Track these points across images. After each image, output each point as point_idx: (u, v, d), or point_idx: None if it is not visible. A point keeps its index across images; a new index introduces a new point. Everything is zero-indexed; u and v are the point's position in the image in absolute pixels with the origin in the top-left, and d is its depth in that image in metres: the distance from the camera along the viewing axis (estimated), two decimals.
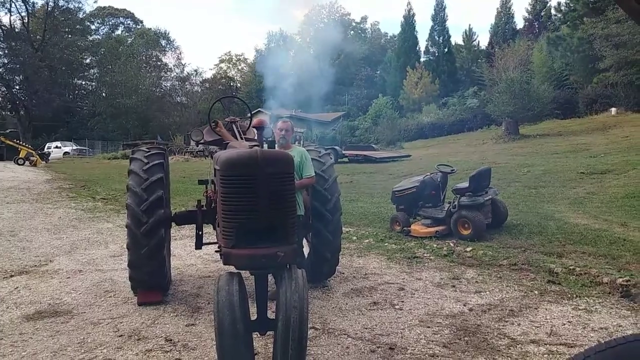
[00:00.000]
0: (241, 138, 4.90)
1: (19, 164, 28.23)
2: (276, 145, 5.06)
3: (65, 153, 43.17)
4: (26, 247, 7.93)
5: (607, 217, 8.97)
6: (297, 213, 4.90)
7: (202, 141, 5.47)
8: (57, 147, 44.36)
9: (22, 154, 29.35)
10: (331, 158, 5.76)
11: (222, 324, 3.02)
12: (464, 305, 5.10)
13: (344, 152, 25.80)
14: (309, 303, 4.54)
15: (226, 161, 3.28)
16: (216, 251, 3.79)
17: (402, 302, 5.23)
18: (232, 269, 3.41)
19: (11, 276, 6.29)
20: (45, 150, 37.29)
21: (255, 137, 5.02)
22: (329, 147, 26.75)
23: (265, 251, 3.20)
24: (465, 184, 8.29)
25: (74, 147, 45.57)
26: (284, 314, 3.09)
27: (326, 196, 5.33)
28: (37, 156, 29.57)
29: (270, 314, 3.36)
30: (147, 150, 5.26)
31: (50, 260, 7.12)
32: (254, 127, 4.68)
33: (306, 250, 5.90)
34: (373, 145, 29.77)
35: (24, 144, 32.21)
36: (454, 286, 5.76)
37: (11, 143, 31.20)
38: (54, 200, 13.41)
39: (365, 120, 45.97)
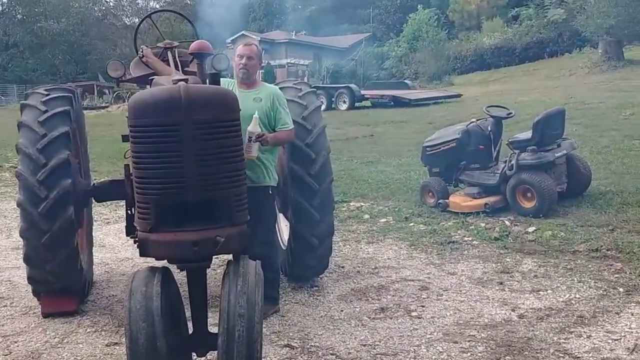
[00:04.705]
0: (178, 70, 4.83)
1: None
2: (235, 81, 5.01)
3: None
4: None
5: None
6: (267, 183, 4.89)
7: (123, 78, 5.43)
8: None
9: None
10: (319, 99, 5.67)
11: (134, 341, 3.03)
12: (513, 310, 5.09)
13: (363, 92, 25.53)
14: (265, 310, 4.55)
15: (136, 105, 3.23)
16: (131, 237, 3.78)
17: (423, 307, 5.23)
18: (153, 262, 3.42)
19: None
20: None
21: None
22: (341, 85, 26.56)
23: (198, 235, 3.19)
24: (528, 134, 8.16)
25: None
26: (226, 326, 3.09)
27: (309, 155, 5.26)
28: None
29: (214, 327, 3.37)
30: (46, 93, 5.21)
31: None
32: (191, 53, 4.59)
33: (285, 234, 5.89)
34: (407, 82, 29.50)
35: None
36: (501, 283, 5.75)
37: None
38: None
39: (399, 45, 45.37)
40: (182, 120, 3.11)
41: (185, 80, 3.32)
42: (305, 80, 30.38)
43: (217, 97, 3.30)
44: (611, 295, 5.31)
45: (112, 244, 7.56)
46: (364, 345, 4.50)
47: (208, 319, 3.46)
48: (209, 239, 3.17)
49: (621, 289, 5.43)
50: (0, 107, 43.31)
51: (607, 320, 4.80)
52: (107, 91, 42.60)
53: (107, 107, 35.48)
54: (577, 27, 32.89)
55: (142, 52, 5.41)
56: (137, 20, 64.27)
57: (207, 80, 4.09)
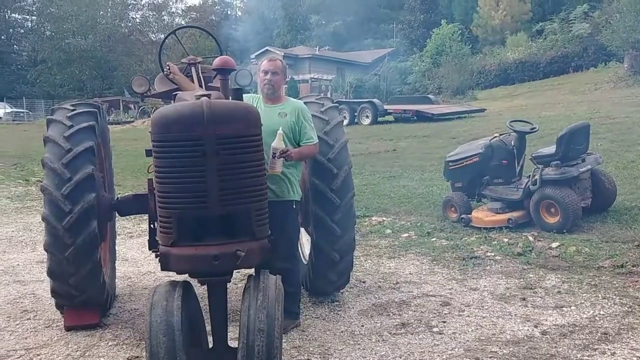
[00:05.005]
0: (201, 86, 4.87)
1: None
2: (260, 96, 5.04)
3: None
4: None
5: None
6: (291, 197, 4.91)
7: (147, 93, 5.48)
8: None
9: None
10: (341, 114, 5.68)
11: (155, 355, 3.06)
12: (535, 326, 5.04)
13: (386, 107, 25.58)
14: (285, 325, 4.55)
15: (159, 119, 3.27)
16: (153, 251, 3.81)
17: (444, 322, 5.20)
18: (174, 276, 3.44)
19: None
20: None
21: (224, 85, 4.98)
22: (364, 100, 26.63)
23: (218, 250, 3.22)
24: (552, 149, 8.11)
25: (8, 110, 46.54)
26: (245, 340, 3.10)
27: (331, 170, 5.26)
28: None
29: (234, 341, 3.38)
30: (72, 108, 5.28)
31: None
32: (214, 69, 4.63)
33: (306, 248, 5.89)
34: (430, 97, 29.41)
35: None
36: (524, 299, 5.70)
37: None
38: None
39: (422, 60, 45.32)
40: (205, 135, 3.15)
41: (208, 96, 3.35)
42: (329, 95, 30.47)
43: (239, 112, 3.34)
44: (636, 312, 5.23)
45: (134, 258, 7.60)
46: None
47: (228, 334, 3.47)
48: (229, 253, 3.20)
49: None
50: (28, 122, 43.94)
51: (632, 337, 4.73)
52: (132, 106, 43.12)
53: (132, 122, 35.90)
54: (603, 41, 32.64)
55: (168, 68, 5.47)
56: (162, 36, 65.13)
57: (230, 96, 4.13)
